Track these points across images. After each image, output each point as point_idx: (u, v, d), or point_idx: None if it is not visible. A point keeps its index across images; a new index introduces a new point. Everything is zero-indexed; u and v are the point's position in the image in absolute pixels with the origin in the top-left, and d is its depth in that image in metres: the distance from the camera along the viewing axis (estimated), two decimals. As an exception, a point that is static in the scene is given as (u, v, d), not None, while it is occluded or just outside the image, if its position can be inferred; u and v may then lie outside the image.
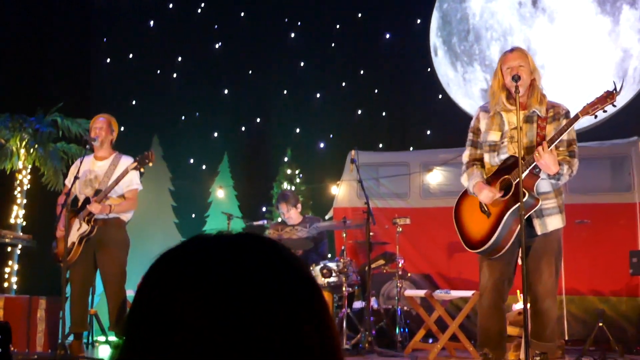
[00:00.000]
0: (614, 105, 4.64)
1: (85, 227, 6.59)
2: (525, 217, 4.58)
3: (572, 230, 8.64)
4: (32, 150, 10.38)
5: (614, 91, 4.58)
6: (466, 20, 11.60)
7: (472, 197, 4.97)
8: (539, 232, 4.76)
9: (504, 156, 4.86)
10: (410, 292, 7.47)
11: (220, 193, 11.68)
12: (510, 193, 4.72)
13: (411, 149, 11.37)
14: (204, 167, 12.91)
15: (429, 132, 11.65)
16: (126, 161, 6.66)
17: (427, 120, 11.71)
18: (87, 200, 6.62)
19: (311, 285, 0.93)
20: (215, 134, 13.04)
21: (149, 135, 12.47)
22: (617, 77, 10.68)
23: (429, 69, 11.91)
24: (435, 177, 9.72)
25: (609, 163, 9.21)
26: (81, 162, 6.69)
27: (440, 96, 11.80)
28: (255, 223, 8.78)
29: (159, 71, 13.29)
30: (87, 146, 6.73)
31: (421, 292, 7.26)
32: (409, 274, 8.61)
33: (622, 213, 8.69)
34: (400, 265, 8.09)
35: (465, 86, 11.50)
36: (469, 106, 11.16)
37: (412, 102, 11.97)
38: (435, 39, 11.93)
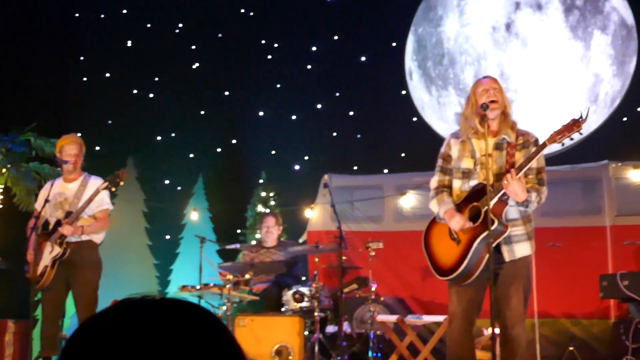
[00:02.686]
0: (581, 134, 4.66)
1: (57, 250, 6.52)
2: (494, 244, 4.59)
3: (544, 253, 8.71)
4: (4, 170, 10.28)
5: (580, 119, 4.61)
6: (441, 45, 11.70)
7: (441, 224, 4.97)
8: (507, 259, 4.77)
9: (474, 183, 4.88)
10: (382, 317, 7.46)
11: (194, 215, 11.65)
12: (480, 220, 4.74)
13: (386, 171, 11.40)
14: (179, 188, 12.86)
15: (403, 155, 11.70)
16: (95, 182, 6.61)
17: (401, 143, 11.77)
18: (58, 223, 6.57)
19: (232, 351, 0.93)
20: (191, 155, 13.01)
21: (123, 156, 12.41)
22: (588, 102, 10.83)
23: (403, 92, 11.98)
24: (409, 201, 9.74)
25: (581, 186, 9.30)
26: (52, 186, 6.64)
27: (415, 119, 11.86)
28: (228, 246, 8.74)
29: (135, 91, 13.26)
30: (58, 168, 6.68)
31: (393, 318, 7.26)
32: (382, 298, 8.60)
33: (593, 236, 8.76)
34: (373, 289, 8.07)
35: (440, 110, 11.58)
36: (443, 130, 11.23)
37: (387, 124, 12.03)
38: (410, 62, 12.02)
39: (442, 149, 5.11)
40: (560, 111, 10.59)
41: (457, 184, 4.96)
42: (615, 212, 8.84)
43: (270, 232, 8.27)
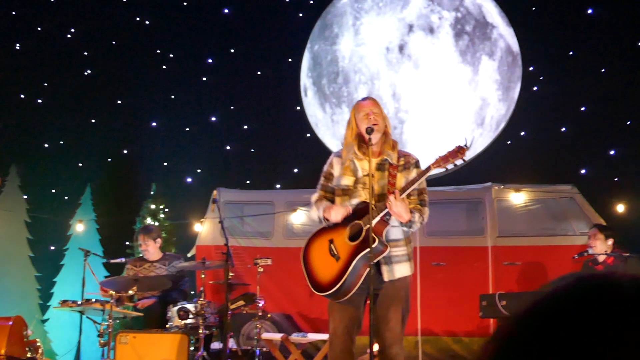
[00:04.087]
0: (464, 160, 4.79)
1: None
2: (373, 263, 4.65)
3: (428, 272, 8.93)
4: None
5: (465, 146, 4.74)
6: (336, 63, 11.84)
7: (321, 241, 5.00)
8: (386, 279, 4.84)
9: (355, 201, 4.93)
10: (267, 335, 7.44)
11: (80, 227, 11.29)
12: (360, 238, 4.79)
13: (278, 186, 11.41)
14: (65, 197, 12.46)
15: (296, 171, 11.75)
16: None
17: (295, 159, 11.82)
18: None
19: None
20: (80, 164, 12.64)
21: (6, 163, 11.93)
22: (475, 124, 11.18)
23: (298, 108, 12.04)
24: (300, 217, 9.77)
25: (465, 207, 9.56)
26: None
27: (308, 135, 11.94)
28: (112, 260, 8.52)
29: (22, 95, 12.79)
30: None
31: (278, 336, 7.24)
32: (269, 315, 8.57)
33: (476, 256, 9.02)
34: (260, 306, 8.04)
35: (333, 127, 11.69)
36: (336, 147, 11.32)
37: (281, 140, 12.06)
38: (305, 79, 12.10)
39: (325, 168, 5.16)
40: (449, 132, 10.91)
41: (338, 201, 5.01)
42: (496, 233, 9.13)
43: (145, 249, 8.13)
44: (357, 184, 4.95)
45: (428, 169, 4.81)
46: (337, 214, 4.84)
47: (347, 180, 4.98)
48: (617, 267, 7.12)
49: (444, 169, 4.87)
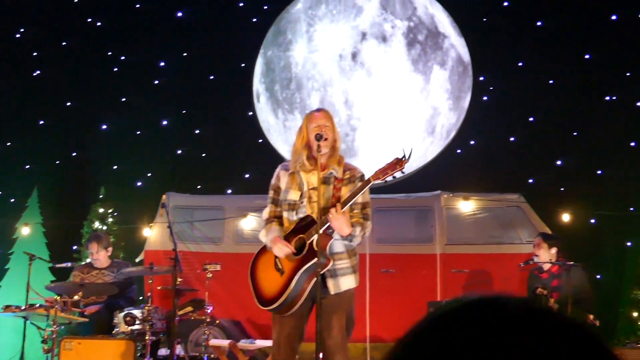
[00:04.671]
0: (403, 172, 4.83)
1: None
2: (318, 275, 4.67)
3: (377, 279, 8.98)
4: None
5: (404, 159, 4.77)
6: (289, 69, 11.85)
7: (268, 255, 5.01)
8: (332, 292, 4.86)
9: (302, 215, 4.95)
10: (215, 342, 7.40)
11: (26, 230, 11.08)
12: (304, 252, 4.80)
13: (229, 192, 11.37)
14: (12, 200, 12.23)
15: (247, 176, 11.72)
16: None
17: (246, 165, 11.78)
18: None
19: None
20: (27, 166, 12.42)
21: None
22: (426, 133, 11.29)
23: (250, 114, 12.02)
24: (250, 223, 9.74)
25: (414, 215, 9.64)
26: None
27: (260, 141, 11.92)
28: (58, 265, 8.38)
29: (-33, 96, 12.54)
30: None
31: (226, 342, 7.21)
32: (217, 321, 8.52)
33: (424, 263, 9.10)
34: (208, 312, 7.99)
35: (285, 133, 11.69)
36: (288, 153, 11.29)
37: (233, 145, 12.01)
38: (258, 84, 12.09)
39: (272, 181, 5.16)
40: (401, 140, 10.99)
41: (285, 215, 5.02)
42: (445, 240, 9.23)
43: (95, 258, 8.03)
44: (303, 197, 4.97)
45: (367, 181, 4.83)
46: (280, 251, 4.85)
47: (294, 195, 4.99)
48: (561, 275, 7.25)
49: (384, 181, 4.90)
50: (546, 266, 7.49)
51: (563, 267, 7.17)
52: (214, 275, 8.19)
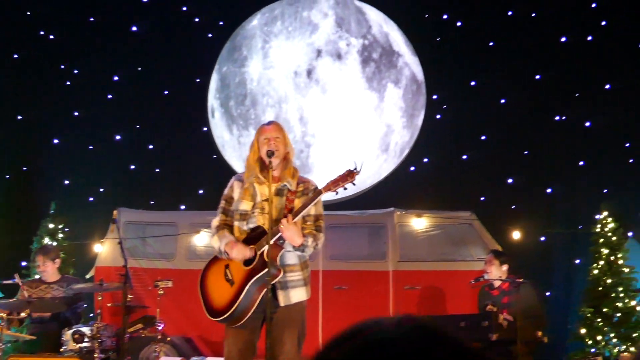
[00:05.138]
0: (354, 184, 4.87)
1: None
2: (269, 286, 4.67)
3: (330, 295, 9.00)
4: None
5: (355, 170, 4.83)
6: (244, 85, 11.85)
7: (217, 266, 5.00)
8: (282, 304, 4.86)
9: (252, 226, 4.95)
10: (166, 359, 7.32)
11: (-28, 246, 10.86)
12: (255, 262, 4.81)
13: (183, 207, 11.30)
14: (-41, 215, 11.98)
15: (201, 192, 11.65)
16: None
17: (200, 180, 11.72)
18: None
19: None
20: (-24, 180, 12.19)
21: None
22: (380, 150, 11.38)
23: (205, 129, 11.98)
24: (203, 239, 9.68)
25: (367, 232, 9.70)
26: None
27: (215, 157, 11.88)
28: (5, 281, 8.22)
29: None
30: None
31: (177, 359, 7.15)
32: (168, 338, 8.44)
33: (377, 280, 9.14)
34: (160, 329, 7.91)
35: (240, 149, 11.67)
36: (242, 169, 11.27)
37: (187, 160, 11.95)
38: (213, 100, 12.07)
39: (226, 191, 5.17)
40: (354, 157, 11.04)
41: (236, 224, 5.02)
42: (398, 257, 9.29)
43: (43, 270, 7.90)
44: (255, 208, 4.98)
45: (319, 192, 4.87)
46: (238, 253, 4.84)
47: (246, 205, 5.00)
48: (511, 292, 7.34)
49: (335, 193, 4.94)
50: (497, 283, 7.58)
51: (513, 284, 7.26)
52: (166, 292, 8.12)
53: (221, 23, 12.42)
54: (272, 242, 4.77)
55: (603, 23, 11.78)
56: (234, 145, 11.84)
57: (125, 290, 7.04)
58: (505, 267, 7.59)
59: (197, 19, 12.45)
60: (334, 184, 4.84)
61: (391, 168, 11.49)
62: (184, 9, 12.41)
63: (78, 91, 12.31)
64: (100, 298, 7.44)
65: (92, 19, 12.47)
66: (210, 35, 12.40)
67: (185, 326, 9.25)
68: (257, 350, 5.03)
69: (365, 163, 4.86)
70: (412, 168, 11.78)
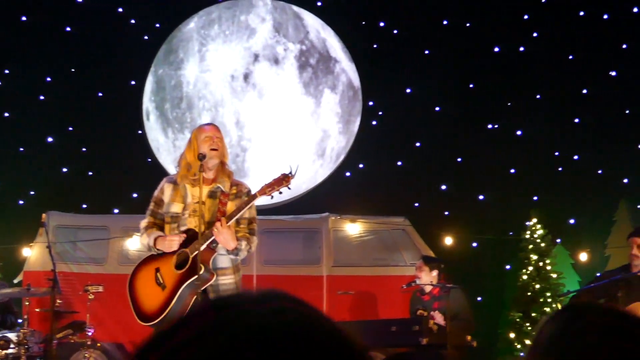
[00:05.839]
0: (289, 188, 4.88)
1: None
2: (200, 290, 4.64)
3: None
4: None
5: (290, 174, 4.83)
6: (180, 88, 11.76)
7: (148, 269, 4.94)
8: (213, 308, 4.83)
9: (184, 228, 4.91)
10: (94, 365, 7.20)
11: None
12: (187, 266, 4.77)
13: (116, 211, 11.14)
14: None
15: (135, 196, 11.50)
16: None
17: (134, 184, 11.55)
18: None
19: None
20: None
21: None
22: (316, 155, 11.42)
23: (139, 132, 11.84)
24: (135, 243, 9.54)
25: (302, 236, 9.73)
26: None
27: (149, 160, 11.75)
28: None
29: None
30: None
31: (105, 365, 7.04)
32: (98, 344, 8.29)
33: (311, 285, 9.16)
34: (89, 334, 7.78)
35: (175, 152, 11.55)
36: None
37: (120, 163, 11.77)
38: (148, 103, 11.94)
39: (155, 193, 5.12)
40: (291, 162, 11.06)
41: (167, 228, 4.96)
42: (332, 262, 9.34)
43: None
44: (186, 210, 4.94)
45: (254, 196, 4.86)
46: (170, 244, 4.80)
47: (176, 207, 4.96)
48: (442, 297, 7.45)
49: (270, 197, 4.93)
50: (427, 288, 7.67)
51: (443, 289, 7.37)
52: (97, 297, 7.99)
53: (157, 25, 12.29)
54: (205, 245, 4.74)
55: (534, 34, 12.07)
56: (168, 149, 11.73)
57: (53, 295, 6.92)
58: (434, 273, 7.68)
59: (133, 21, 12.29)
60: (269, 188, 4.83)
61: (327, 173, 11.55)
62: (120, 10, 12.24)
63: (9, 92, 12.02)
64: (28, 303, 7.28)
65: (24, 18, 12.20)
66: (146, 38, 12.25)
67: (117, 332, 9.11)
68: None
69: (300, 167, 4.87)
70: (348, 173, 11.86)
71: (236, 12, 11.86)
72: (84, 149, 11.90)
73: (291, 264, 9.41)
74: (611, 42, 11.93)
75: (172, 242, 4.80)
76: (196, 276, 4.64)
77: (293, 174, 4.84)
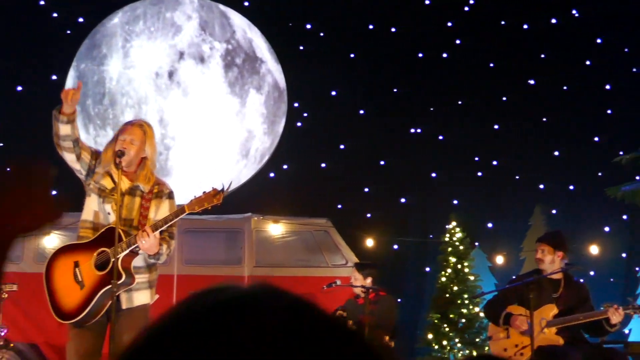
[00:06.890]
0: (219, 205, 4.81)
1: None
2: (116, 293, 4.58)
3: (185, 300, 8.90)
4: None
5: (222, 191, 4.75)
6: (103, 84, 11.55)
7: (66, 261, 4.81)
8: (124, 307, 4.76)
9: (107, 207, 4.79)
10: (6, 365, 7.01)
11: None
12: (107, 270, 4.67)
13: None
14: None
15: (54, 193, 11.21)
16: None
17: (54, 181, 11.28)
18: None
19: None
20: None
21: None
22: (240, 155, 11.39)
23: (60, 128, 11.58)
24: (53, 241, 9.34)
25: (224, 237, 9.68)
26: None
27: (70, 157, 11.51)
28: None
29: None
30: None
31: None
32: (12, 344, 8.07)
33: (233, 285, 9.13)
34: (2, 334, 7.56)
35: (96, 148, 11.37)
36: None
37: (40, 159, 11.48)
38: (69, 98, 11.67)
39: (102, 149, 5.02)
40: (215, 161, 11.02)
41: (95, 201, 4.83)
42: (254, 262, 9.33)
43: None
44: (110, 194, 4.82)
45: (182, 210, 4.76)
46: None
47: (106, 183, 4.84)
48: (377, 302, 7.44)
49: (197, 212, 4.87)
50: (357, 290, 7.63)
51: (377, 296, 7.38)
52: (11, 296, 7.75)
53: (81, 20, 12.05)
54: (128, 250, 4.66)
55: (457, 42, 12.34)
56: (90, 145, 11.49)
57: (-37, 294, 6.70)
58: (369, 280, 7.62)
59: (55, 14, 12.02)
60: (198, 203, 4.74)
61: (251, 173, 11.53)
62: (42, 3, 11.96)
63: None
64: None
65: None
66: (68, 32, 12.00)
67: (31, 332, 8.90)
68: (101, 354, 4.91)
69: (232, 184, 4.83)
70: (272, 174, 11.87)
71: (162, 9, 11.73)
72: (1, 144, 11.57)
73: (213, 264, 9.35)
74: (530, 52, 12.29)
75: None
76: (119, 282, 4.57)
77: (226, 191, 4.78)
